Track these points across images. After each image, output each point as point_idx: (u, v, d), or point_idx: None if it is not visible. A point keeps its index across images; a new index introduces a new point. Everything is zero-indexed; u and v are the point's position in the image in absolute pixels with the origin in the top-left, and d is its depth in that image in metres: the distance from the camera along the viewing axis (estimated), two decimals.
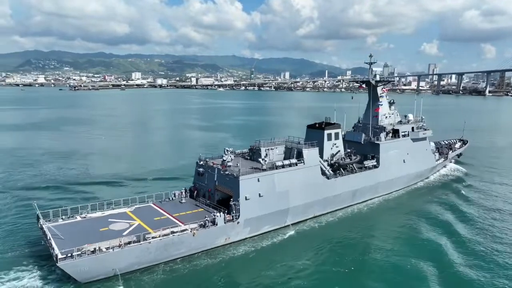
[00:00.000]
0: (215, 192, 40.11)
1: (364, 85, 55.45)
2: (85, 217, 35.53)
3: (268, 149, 42.87)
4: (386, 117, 56.51)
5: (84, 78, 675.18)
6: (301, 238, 38.83)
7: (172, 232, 32.24)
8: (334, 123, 49.47)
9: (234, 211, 35.95)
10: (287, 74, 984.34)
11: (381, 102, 55.67)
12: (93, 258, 27.74)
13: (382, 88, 55.52)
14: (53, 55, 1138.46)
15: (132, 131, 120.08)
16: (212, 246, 34.89)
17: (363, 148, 52.95)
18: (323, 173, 44.30)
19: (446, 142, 75.81)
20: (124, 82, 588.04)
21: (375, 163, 50.62)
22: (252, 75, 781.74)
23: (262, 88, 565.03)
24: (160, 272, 30.87)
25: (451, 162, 72.16)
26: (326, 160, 47.29)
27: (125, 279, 29.09)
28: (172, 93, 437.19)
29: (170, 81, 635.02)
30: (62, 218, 34.69)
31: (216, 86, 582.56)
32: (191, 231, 32.90)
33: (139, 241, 30.09)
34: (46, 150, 79.86)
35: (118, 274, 28.86)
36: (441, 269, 31.78)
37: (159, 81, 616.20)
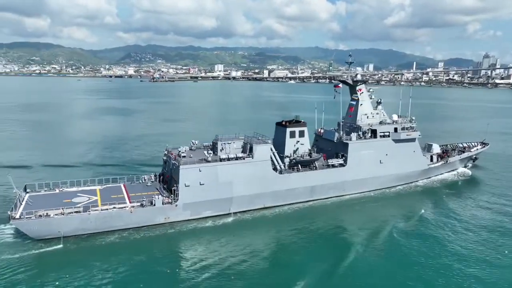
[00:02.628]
0: (171, 178, 46.21)
1: (340, 85, 56.15)
2: (62, 191, 44.46)
3: (224, 143, 47.34)
4: (368, 116, 56.42)
5: (171, 70, 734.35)
6: (241, 225, 42.94)
7: (114, 208, 39.34)
8: (300, 121, 51.71)
9: (173, 195, 41.76)
10: (371, 66, 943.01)
11: (360, 102, 55.82)
12: (40, 221, 35.99)
13: (357, 88, 55.54)
14: (149, 49, 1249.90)
15: (166, 120, 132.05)
16: (151, 223, 41.15)
17: (336, 147, 54.23)
18: (276, 168, 47.44)
19: (464, 145, 71.07)
20: (202, 74, 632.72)
21: (342, 161, 51.70)
22: (330, 67, 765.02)
23: (333, 81, 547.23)
24: (100, 238, 38.06)
25: (466, 166, 68.04)
26: (288, 156, 50.15)
27: (66, 240, 36.86)
28: (238, 85, 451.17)
29: (244, 74, 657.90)
30: (44, 190, 44.09)
31: (287, 79, 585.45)
32: (129, 208, 39.63)
33: (80, 212, 37.70)
34: (82, 136, 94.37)
35: (61, 236, 36.77)
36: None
37: (234, 73, 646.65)
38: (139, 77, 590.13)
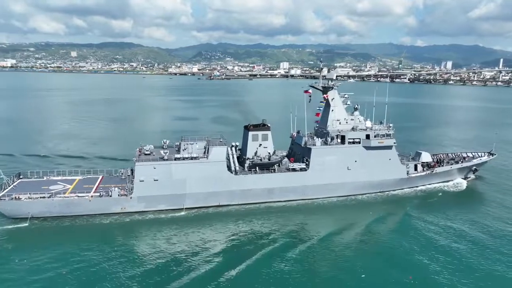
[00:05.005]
0: None
1: (310, 90, 56.54)
2: (48, 178, 52.12)
3: (187, 144, 51.34)
4: (340, 122, 56.16)
5: (236, 68, 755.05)
6: (192, 219, 46.66)
7: (77, 196, 45.67)
8: (265, 125, 53.66)
9: (129, 189, 46.96)
10: (449, 64, 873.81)
11: (332, 107, 55.83)
12: (11, 202, 43.47)
13: (323, 94, 55.52)
14: (220, 47, 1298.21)
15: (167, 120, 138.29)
16: (109, 211, 46.74)
17: (303, 151, 55.11)
18: (231, 169, 50.21)
19: (469, 155, 66.28)
20: (262, 72, 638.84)
21: (304, 166, 52.57)
22: (400, 65, 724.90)
23: (395, 80, 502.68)
24: (62, 221, 44.59)
25: (466, 178, 63.82)
26: (249, 158, 52.58)
27: (33, 220, 43.90)
28: (292, 84, 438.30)
29: (305, 71, 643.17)
30: (35, 177, 52.13)
31: (345, 77, 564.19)
32: (88, 197, 45.66)
33: (45, 197, 44.52)
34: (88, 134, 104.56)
35: (29, 217, 43.87)
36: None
37: (292, 72, 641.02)
38: (201, 74, 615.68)
